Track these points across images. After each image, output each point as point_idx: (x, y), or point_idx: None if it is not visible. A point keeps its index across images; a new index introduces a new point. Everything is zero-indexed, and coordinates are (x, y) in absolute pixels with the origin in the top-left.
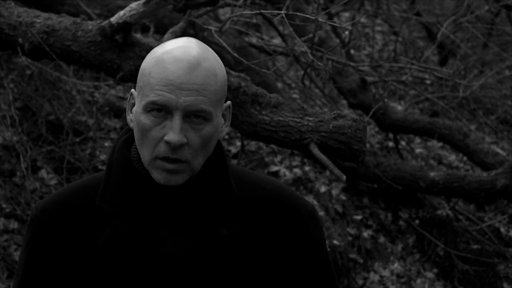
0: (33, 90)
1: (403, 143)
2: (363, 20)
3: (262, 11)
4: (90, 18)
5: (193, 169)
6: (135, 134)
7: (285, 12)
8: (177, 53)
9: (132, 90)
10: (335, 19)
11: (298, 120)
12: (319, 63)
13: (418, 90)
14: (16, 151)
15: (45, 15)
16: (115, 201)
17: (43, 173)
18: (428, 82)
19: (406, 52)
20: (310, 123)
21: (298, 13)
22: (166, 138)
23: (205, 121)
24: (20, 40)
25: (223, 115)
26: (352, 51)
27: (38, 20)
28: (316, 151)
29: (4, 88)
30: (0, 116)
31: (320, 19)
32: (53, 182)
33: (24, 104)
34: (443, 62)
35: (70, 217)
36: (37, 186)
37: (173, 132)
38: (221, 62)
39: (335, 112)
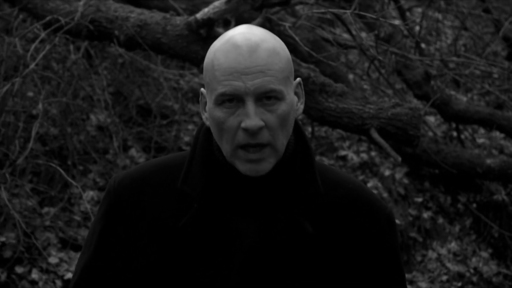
0: (125, 77)
1: (466, 133)
2: (435, 15)
3: (330, 9)
4: (178, 13)
5: (277, 150)
6: (212, 131)
7: (350, 11)
8: (235, 40)
9: (202, 89)
10: (407, 14)
11: (360, 107)
12: (380, 58)
13: (479, 83)
14: (109, 132)
15: (138, 10)
16: (197, 185)
17: (133, 151)
18: (495, 76)
19: (475, 46)
20: (371, 110)
21: (361, 12)
22: (242, 125)
23: (278, 101)
24: (116, 32)
25: (295, 93)
26: (423, 45)
27: (132, 15)
28: (375, 135)
29: (99, 75)
30: (95, 100)
31: (381, 18)
32: (141, 160)
33: (117, 89)
34: (510, 57)
35: (148, 194)
36: (127, 163)
37: (248, 118)
38: (282, 42)
39: (393, 101)
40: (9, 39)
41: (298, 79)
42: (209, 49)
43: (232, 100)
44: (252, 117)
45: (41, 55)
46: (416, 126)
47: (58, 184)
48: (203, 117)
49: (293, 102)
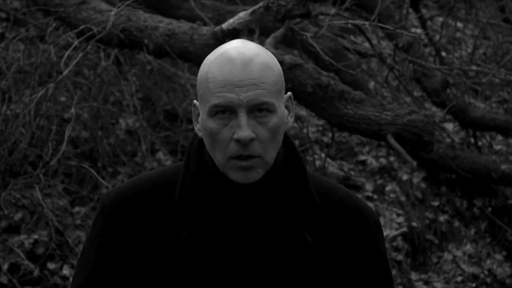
0: (153, 83)
1: (484, 140)
2: (456, 24)
3: (350, 21)
4: (204, 22)
5: (266, 162)
6: (205, 142)
7: (369, 23)
8: (229, 54)
9: (195, 101)
10: (428, 23)
11: (377, 114)
12: (397, 68)
13: (496, 91)
14: (137, 135)
15: (167, 20)
16: (193, 199)
17: (160, 154)
18: None
19: (494, 55)
20: (388, 117)
21: (380, 24)
22: (235, 136)
23: (269, 113)
24: (145, 41)
25: (286, 107)
26: (443, 53)
27: (161, 25)
28: (392, 140)
29: (128, 81)
30: (124, 105)
31: (398, 30)
32: (168, 162)
33: (145, 95)
34: None
35: (144, 210)
36: (155, 165)
37: (240, 129)
38: (274, 57)
39: (409, 108)
40: (43, 46)
41: (288, 93)
42: (203, 62)
43: (225, 111)
44: (244, 128)
45: (74, 62)
46: (430, 132)
47: (89, 185)
48: (196, 128)
49: (284, 115)
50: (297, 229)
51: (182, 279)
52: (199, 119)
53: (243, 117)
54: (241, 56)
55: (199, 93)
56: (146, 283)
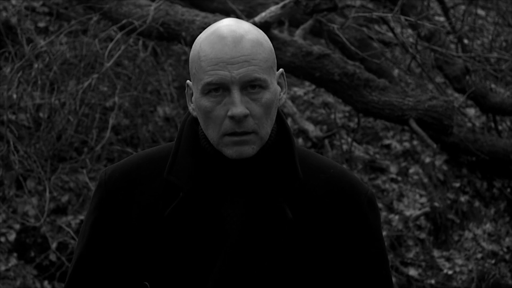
0: (188, 73)
1: (504, 124)
2: (478, 12)
3: (374, 13)
4: (237, 16)
5: (261, 138)
6: (199, 120)
7: (392, 14)
8: (221, 32)
9: (188, 81)
10: (451, 11)
11: (400, 100)
12: (417, 57)
13: (510, 77)
14: (174, 122)
15: (203, 14)
16: (182, 174)
17: None
18: None
19: None
20: (410, 103)
21: (402, 16)
22: (229, 113)
23: (262, 89)
24: (183, 33)
25: (278, 83)
26: (465, 41)
27: (198, 18)
28: (414, 125)
29: (164, 71)
30: (162, 94)
31: (419, 21)
32: None
33: (181, 84)
34: None
35: (137, 186)
36: None
37: (234, 106)
38: (265, 35)
39: (430, 94)
40: (87, 39)
41: (280, 69)
42: (195, 41)
43: (218, 89)
44: (238, 105)
45: (117, 54)
46: (450, 116)
47: None
48: (190, 108)
49: (277, 92)
50: (280, 206)
51: (168, 253)
52: (193, 98)
53: (236, 94)
54: (232, 34)
55: (191, 72)
56: (135, 257)
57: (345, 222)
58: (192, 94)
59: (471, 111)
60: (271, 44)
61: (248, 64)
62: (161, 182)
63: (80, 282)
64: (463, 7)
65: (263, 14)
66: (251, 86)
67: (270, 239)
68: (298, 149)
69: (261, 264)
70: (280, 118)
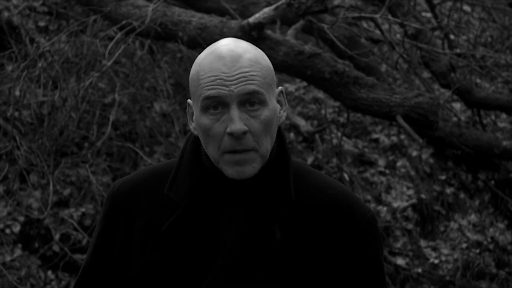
0: (183, 70)
1: (489, 119)
2: (463, 8)
3: (362, 14)
4: (231, 15)
5: (261, 156)
6: (200, 139)
7: (379, 15)
8: (219, 52)
9: (188, 100)
10: (437, 8)
11: (388, 97)
12: (404, 55)
13: (496, 72)
14: (171, 118)
15: (199, 15)
16: (181, 190)
17: None
18: None
19: (501, 37)
20: (397, 100)
21: (389, 17)
22: (228, 130)
23: (261, 106)
24: (180, 33)
25: (278, 101)
26: (452, 37)
27: (194, 19)
28: (401, 120)
29: (160, 68)
30: (158, 90)
31: (405, 22)
32: None
33: (176, 81)
34: None
35: (142, 200)
36: None
37: (233, 123)
38: (264, 54)
39: (416, 91)
40: (88, 39)
41: (280, 87)
42: (195, 61)
43: (217, 107)
44: (237, 121)
45: (117, 54)
46: (435, 113)
47: (129, 163)
48: (191, 127)
49: (276, 109)
50: (269, 226)
51: (163, 267)
52: (194, 117)
53: (235, 111)
54: (230, 53)
55: (191, 90)
56: (135, 270)
57: (342, 243)
58: (192, 114)
59: (458, 106)
60: (270, 63)
61: (246, 79)
62: (163, 197)
63: None
64: (449, 3)
65: (257, 15)
66: (250, 103)
67: (259, 258)
68: (302, 168)
69: (251, 281)
70: (281, 137)
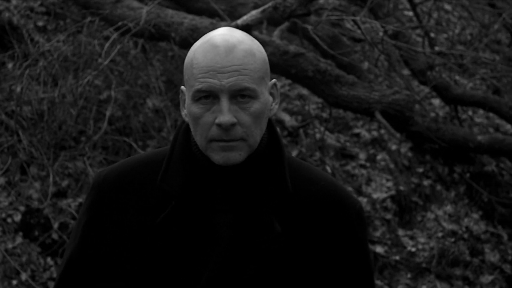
0: (174, 67)
1: (466, 114)
2: (444, 6)
3: (344, 16)
4: (220, 16)
5: (250, 145)
6: (190, 126)
7: (359, 17)
8: (214, 41)
9: (182, 87)
10: (419, 7)
11: (367, 94)
12: (384, 54)
13: (473, 70)
14: (163, 113)
15: (190, 16)
16: (174, 182)
17: None
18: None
19: (480, 35)
20: (376, 97)
21: (368, 20)
22: (216, 121)
23: (251, 99)
24: (172, 34)
25: (271, 94)
26: (432, 35)
27: (186, 20)
28: (379, 116)
29: (153, 66)
30: (151, 87)
31: (383, 24)
32: None
33: (168, 78)
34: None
35: (130, 190)
36: None
37: (222, 114)
38: (260, 44)
39: (394, 89)
40: (85, 39)
41: (273, 80)
42: (190, 49)
43: (208, 97)
44: (226, 113)
45: (113, 53)
46: (411, 109)
47: (124, 156)
48: (183, 113)
49: (268, 102)
50: (268, 218)
51: (157, 260)
52: (186, 104)
53: (225, 102)
54: (225, 43)
55: (185, 78)
56: (125, 260)
57: (333, 234)
58: (185, 100)
59: (437, 102)
60: (265, 55)
61: (238, 74)
62: (154, 187)
63: (70, 283)
64: (430, 2)
65: (244, 17)
66: (240, 95)
67: (258, 250)
68: (291, 160)
69: (249, 274)
70: (272, 128)
